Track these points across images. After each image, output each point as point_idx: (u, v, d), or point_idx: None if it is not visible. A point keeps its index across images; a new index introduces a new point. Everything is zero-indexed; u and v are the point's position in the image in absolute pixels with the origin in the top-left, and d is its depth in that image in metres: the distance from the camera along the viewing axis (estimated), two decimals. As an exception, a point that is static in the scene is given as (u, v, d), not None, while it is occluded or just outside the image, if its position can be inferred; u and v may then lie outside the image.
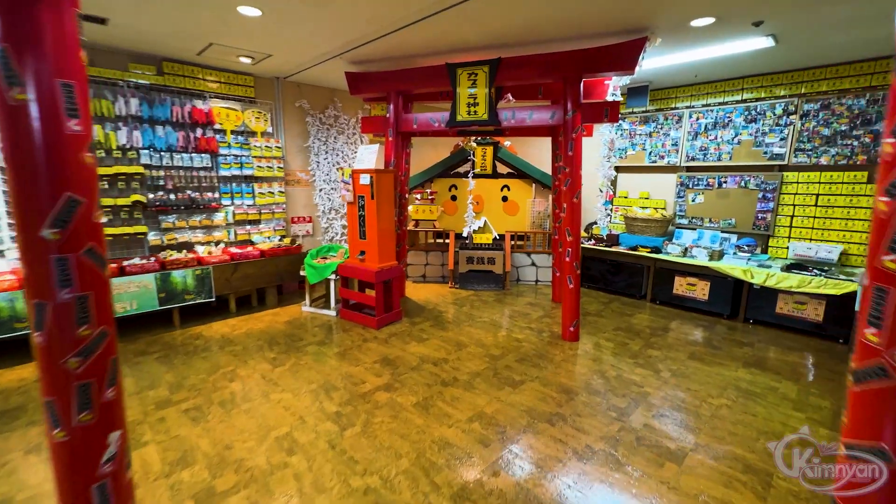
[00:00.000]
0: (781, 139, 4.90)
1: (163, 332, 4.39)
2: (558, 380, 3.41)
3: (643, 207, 6.01)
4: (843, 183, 4.54)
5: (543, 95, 4.99)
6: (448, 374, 3.50)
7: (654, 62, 4.44)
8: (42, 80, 1.17)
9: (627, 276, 5.75)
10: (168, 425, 2.77)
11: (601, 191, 6.59)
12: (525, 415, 2.91)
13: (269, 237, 5.65)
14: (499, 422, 2.82)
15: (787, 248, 4.90)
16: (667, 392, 3.23)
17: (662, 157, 5.91)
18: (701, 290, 5.04)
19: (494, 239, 6.33)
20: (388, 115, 4.90)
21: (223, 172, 5.16)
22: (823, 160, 4.64)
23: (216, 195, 5.17)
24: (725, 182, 5.34)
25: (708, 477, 2.32)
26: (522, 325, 4.65)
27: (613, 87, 4.53)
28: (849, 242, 4.54)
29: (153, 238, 4.73)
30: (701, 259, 4.98)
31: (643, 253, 5.50)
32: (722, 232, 5.38)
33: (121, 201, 4.43)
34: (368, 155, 4.54)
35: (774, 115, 4.92)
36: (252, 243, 5.50)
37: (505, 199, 6.66)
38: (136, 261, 4.33)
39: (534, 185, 6.54)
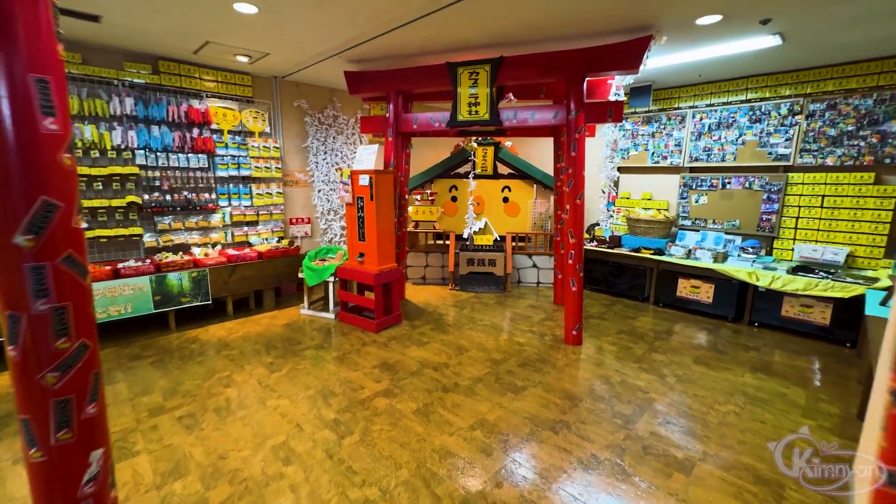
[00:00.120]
0: (786, 139, 4.82)
1: (158, 336, 4.32)
2: (561, 385, 3.33)
3: (646, 209, 5.93)
4: (849, 184, 4.46)
5: (545, 95, 4.91)
6: (449, 379, 3.42)
7: (658, 61, 4.38)
8: (14, 76, 1.09)
9: (630, 278, 5.67)
10: (161, 433, 2.69)
11: (604, 192, 6.52)
12: (528, 422, 2.83)
13: (266, 239, 5.57)
14: (501, 430, 2.75)
15: (793, 249, 4.83)
16: (673, 398, 3.15)
17: (665, 158, 5.84)
18: (705, 292, 4.96)
19: (495, 240, 6.25)
20: (387, 115, 4.83)
21: (220, 173, 5.08)
22: (829, 161, 4.57)
23: (213, 196, 5.09)
24: (729, 183, 5.26)
25: (718, 488, 2.25)
26: (524, 329, 4.57)
27: (616, 86, 4.46)
28: (855, 244, 4.47)
29: (149, 240, 4.65)
30: (705, 261, 4.91)
31: (646, 255, 5.42)
32: (726, 233, 5.29)
33: (115, 202, 4.35)
34: (368, 155, 4.47)
35: (779, 115, 4.85)
36: (250, 245, 5.42)
37: (506, 199, 6.59)
38: (132, 263, 4.25)
39: (535, 185, 6.46)
